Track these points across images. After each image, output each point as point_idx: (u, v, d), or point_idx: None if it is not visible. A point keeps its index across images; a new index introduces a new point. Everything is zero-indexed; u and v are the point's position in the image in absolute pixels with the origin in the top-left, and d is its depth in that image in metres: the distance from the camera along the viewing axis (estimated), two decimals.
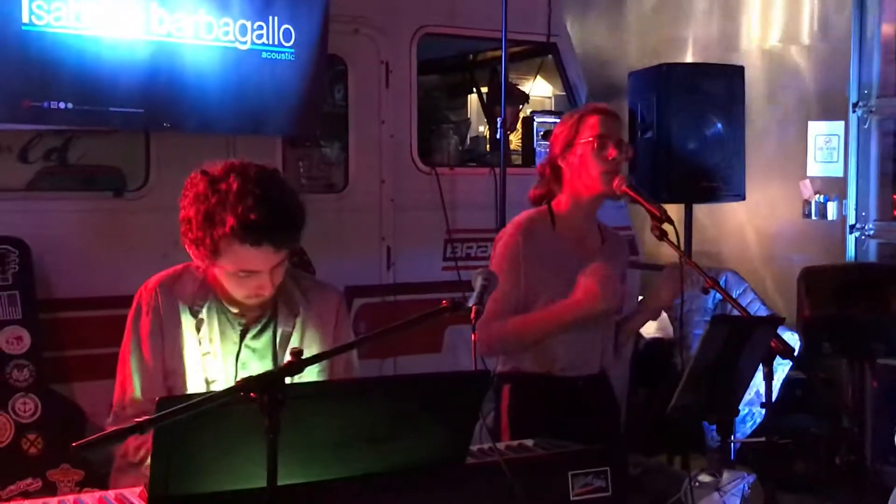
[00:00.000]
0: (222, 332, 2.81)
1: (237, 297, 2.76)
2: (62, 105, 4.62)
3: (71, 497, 2.33)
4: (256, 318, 2.84)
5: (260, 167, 2.71)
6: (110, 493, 2.36)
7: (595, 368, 3.53)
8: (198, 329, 2.80)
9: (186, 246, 2.72)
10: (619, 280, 3.42)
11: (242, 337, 2.83)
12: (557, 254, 3.45)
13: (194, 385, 2.79)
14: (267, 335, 2.85)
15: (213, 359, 2.80)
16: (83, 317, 4.82)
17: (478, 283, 2.92)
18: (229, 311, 2.82)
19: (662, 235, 3.28)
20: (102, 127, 4.96)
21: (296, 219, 2.69)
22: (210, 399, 2.05)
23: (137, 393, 2.77)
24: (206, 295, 2.80)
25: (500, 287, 3.38)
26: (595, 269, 3.32)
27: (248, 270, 2.67)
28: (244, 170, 2.66)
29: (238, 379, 2.71)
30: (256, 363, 2.83)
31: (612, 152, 3.40)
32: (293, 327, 2.86)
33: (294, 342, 2.85)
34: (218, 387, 2.78)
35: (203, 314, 2.80)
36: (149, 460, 2.18)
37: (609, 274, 3.32)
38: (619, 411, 3.62)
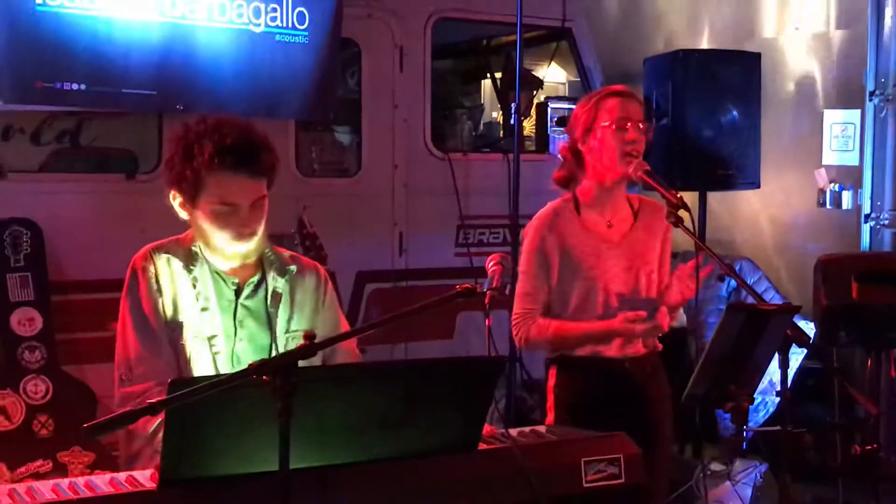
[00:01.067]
0: (217, 291, 2.86)
1: (222, 244, 2.80)
2: (75, 86, 4.62)
3: (82, 478, 2.32)
4: (248, 278, 2.89)
5: (237, 117, 2.87)
6: (121, 475, 2.35)
7: (640, 349, 3.51)
8: (193, 285, 2.84)
9: (171, 193, 2.81)
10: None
11: (237, 295, 2.87)
12: (585, 242, 3.44)
13: (196, 341, 2.82)
14: (260, 295, 2.90)
15: (212, 315, 2.84)
16: (95, 299, 4.82)
17: (491, 268, 2.93)
18: (221, 272, 2.87)
19: (678, 222, 3.26)
20: (115, 109, 4.95)
21: (267, 150, 2.80)
22: (223, 382, 2.04)
23: (144, 351, 2.79)
24: (198, 257, 2.86)
25: (532, 285, 3.42)
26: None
27: (228, 203, 2.74)
28: (218, 115, 2.84)
29: (238, 336, 2.82)
30: (253, 322, 2.88)
31: (631, 135, 3.37)
32: (282, 288, 2.92)
33: (285, 302, 2.90)
34: (218, 342, 2.83)
35: (196, 272, 2.85)
36: (160, 434, 2.17)
37: (652, 325, 3.32)
38: (668, 392, 3.56)
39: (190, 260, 2.86)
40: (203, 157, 2.71)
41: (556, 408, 3.49)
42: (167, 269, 2.84)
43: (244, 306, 2.87)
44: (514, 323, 3.45)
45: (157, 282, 2.83)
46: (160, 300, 2.82)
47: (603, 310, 3.42)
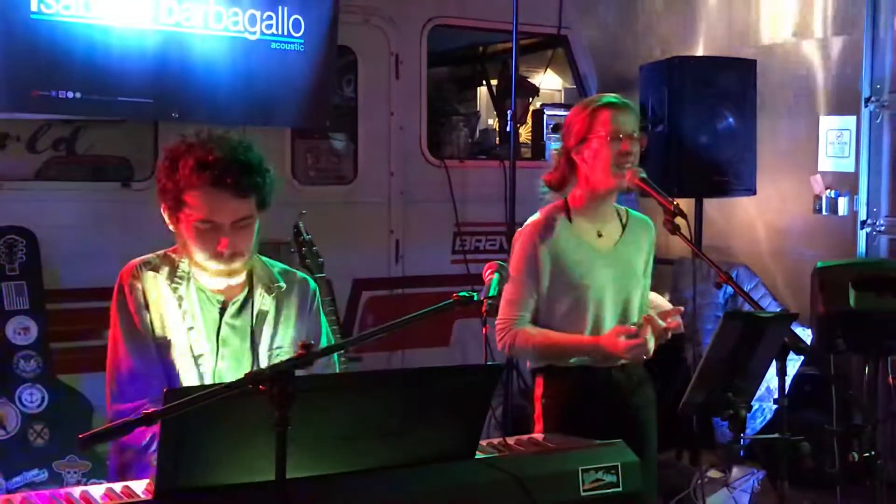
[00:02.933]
0: (203, 310, 2.84)
1: (201, 259, 2.77)
2: (70, 94, 4.61)
3: (78, 489, 2.31)
4: (234, 296, 2.87)
5: (234, 133, 2.84)
6: (117, 486, 2.34)
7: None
8: (179, 304, 2.82)
9: (161, 204, 2.79)
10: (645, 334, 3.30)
11: (221, 314, 2.85)
12: (576, 250, 3.43)
13: (183, 359, 2.81)
14: (245, 313, 2.88)
15: (198, 334, 2.82)
16: (90, 307, 4.80)
17: (488, 276, 2.92)
18: (207, 290, 2.85)
19: (675, 229, 3.26)
20: (110, 117, 4.95)
21: (255, 169, 2.75)
22: (218, 391, 2.03)
23: (136, 366, 2.77)
24: (184, 274, 2.84)
25: (520, 292, 3.40)
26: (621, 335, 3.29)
27: (208, 220, 2.71)
28: (215, 129, 2.81)
29: (220, 355, 2.81)
30: (237, 340, 2.86)
31: (625, 146, 3.36)
32: (269, 306, 2.89)
33: (269, 320, 2.88)
34: (204, 361, 2.82)
35: (182, 291, 2.83)
36: (154, 447, 2.16)
37: (637, 344, 3.25)
38: (653, 398, 3.55)
39: (176, 277, 2.84)
40: (185, 170, 2.69)
41: (544, 417, 3.47)
42: (154, 285, 2.82)
43: (228, 325, 2.85)
44: (498, 328, 3.43)
45: (145, 298, 2.80)
46: (148, 316, 2.80)
47: (592, 320, 3.41)
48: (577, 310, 3.41)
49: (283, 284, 2.92)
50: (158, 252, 2.90)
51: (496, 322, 3.45)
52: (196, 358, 2.81)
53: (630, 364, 3.47)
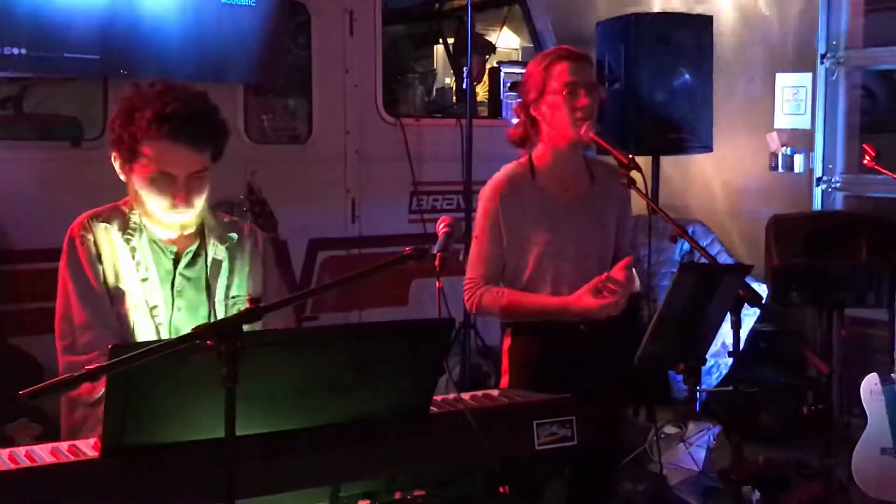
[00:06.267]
0: (156, 261, 2.82)
1: (157, 212, 2.75)
2: (16, 51, 4.50)
3: (23, 448, 2.26)
4: (186, 247, 2.86)
5: (189, 85, 2.81)
6: (63, 445, 2.29)
7: None
8: (133, 255, 2.80)
9: (112, 154, 2.77)
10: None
11: (175, 265, 2.84)
12: (541, 206, 3.39)
13: (137, 310, 2.79)
14: (199, 264, 2.87)
15: (152, 285, 2.81)
16: (40, 269, 4.71)
17: (441, 230, 2.90)
18: (160, 241, 2.83)
19: (630, 183, 3.24)
20: (58, 74, 4.84)
21: (213, 120, 2.76)
22: (165, 346, 1.99)
23: (90, 318, 2.74)
24: (136, 226, 2.82)
25: (485, 250, 3.38)
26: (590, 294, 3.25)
27: (164, 172, 2.70)
28: (171, 80, 2.79)
29: (175, 306, 2.79)
30: (192, 291, 2.85)
31: (582, 100, 3.32)
32: (223, 257, 2.89)
33: (224, 270, 2.88)
34: (159, 312, 2.80)
35: (135, 242, 2.81)
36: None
37: (610, 303, 3.22)
38: (622, 354, 3.52)
39: (128, 229, 2.81)
40: (142, 122, 2.67)
41: (510, 370, 3.47)
42: (106, 237, 2.79)
43: (182, 276, 2.84)
44: (465, 288, 3.42)
45: (97, 250, 2.78)
46: (101, 268, 2.77)
47: (559, 275, 3.38)
48: (544, 266, 3.39)
49: (234, 235, 2.92)
50: (107, 206, 2.86)
51: (463, 282, 3.44)
52: (151, 309, 2.79)
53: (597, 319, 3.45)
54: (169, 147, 2.68)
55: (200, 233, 2.88)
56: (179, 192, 2.71)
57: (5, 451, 2.23)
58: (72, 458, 2.19)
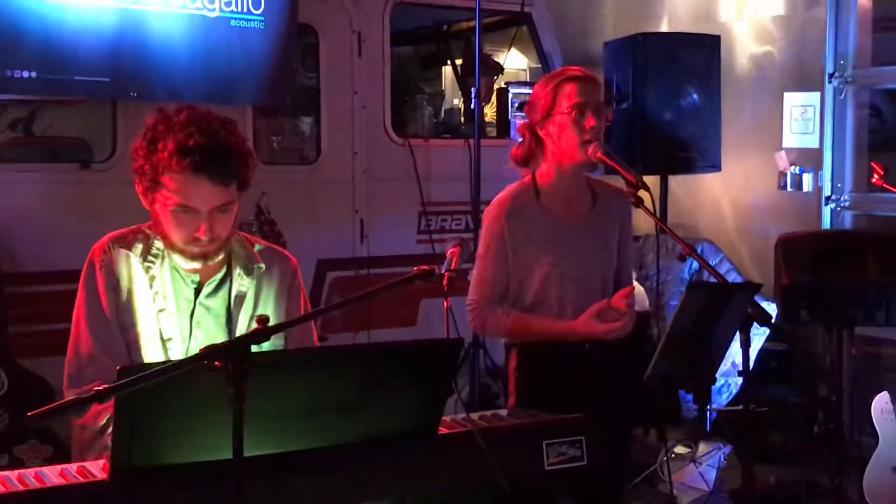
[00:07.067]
0: (176, 290, 2.74)
1: (178, 242, 2.67)
2: (26, 74, 4.53)
3: (32, 470, 2.26)
4: (210, 276, 2.77)
5: (216, 114, 2.69)
6: (72, 466, 2.29)
7: None
8: (151, 284, 2.73)
9: (135, 183, 2.68)
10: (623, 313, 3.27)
11: (196, 295, 2.76)
12: (545, 227, 3.39)
13: (150, 342, 2.72)
14: (222, 294, 2.78)
15: (168, 316, 2.73)
16: (50, 290, 4.74)
17: (450, 251, 2.90)
18: (182, 269, 2.75)
19: (638, 202, 3.24)
20: (67, 96, 4.87)
21: (237, 154, 2.63)
22: (173, 367, 1.99)
23: (97, 349, 2.69)
24: (159, 253, 2.75)
25: (489, 271, 3.37)
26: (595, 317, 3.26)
27: (185, 206, 2.60)
28: (197, 108, 2.68)
29: (193, 337, 2.72)
30: (211, 322, 2.76)
31: (590, 121, 3.32)
32: (248, 287, 2.79)
33: (248, 302, 2.79)
34: (174, 345, 2.73)
35: (155, 270, 2.74)
36: (111, 427, 2.11)
37: (617, 328, 3.24)
38: (629, 374, 3.51)
39: (150, 255, 2.74)
40: (164, 153, 2.56)
41: (517, 391, 3.45)
42: (125, 264, 2.72)
43: (203, 305, 2.76)
44: (469, 309, 3.41)
45: (115, 276, 2.71)
46: (116, 295, 2.72)
47: (563, 297, 3.38)
48: (548, 286, 3.38)
49: (262, 265, 2.82)
50: (133, 227, 2.79)
51: (466, 302, 3.43)
52: (165, 342, 2.72)
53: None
54: (191, 181, 2.57)
55: (227, 261, 2.78)
56: (202, 225, 2.62)
57: (14, 473, 2.23)
58: (81, 479, 2.19)
